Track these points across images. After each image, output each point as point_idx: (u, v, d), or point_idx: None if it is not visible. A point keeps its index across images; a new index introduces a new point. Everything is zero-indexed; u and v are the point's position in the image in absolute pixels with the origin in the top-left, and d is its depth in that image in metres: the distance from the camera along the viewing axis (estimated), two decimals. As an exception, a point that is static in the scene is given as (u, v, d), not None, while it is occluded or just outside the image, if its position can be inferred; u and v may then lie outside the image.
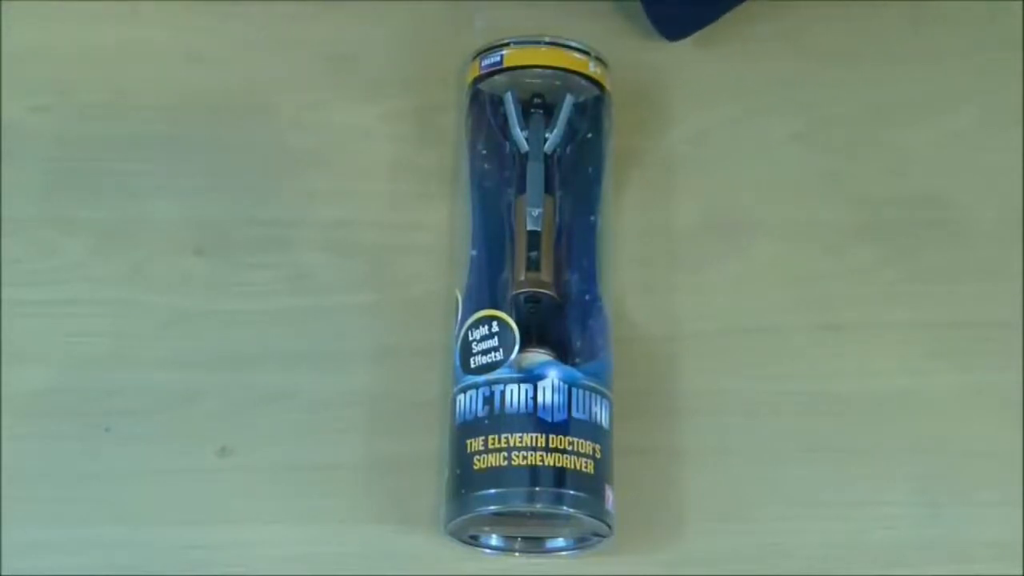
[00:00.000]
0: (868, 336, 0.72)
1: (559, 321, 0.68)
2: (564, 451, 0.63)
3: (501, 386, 0.64)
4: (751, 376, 0.71)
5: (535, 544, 0.67)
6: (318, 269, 0.74)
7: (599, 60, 0.73)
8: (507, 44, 0.73)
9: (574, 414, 0.64)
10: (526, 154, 0.71)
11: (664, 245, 0.75)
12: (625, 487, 0.66)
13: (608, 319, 0.69)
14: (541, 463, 0.63)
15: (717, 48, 0.80)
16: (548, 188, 0.70)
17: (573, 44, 0.73)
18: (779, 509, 0.69)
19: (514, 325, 0.65)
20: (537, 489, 0.63)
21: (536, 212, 0.69)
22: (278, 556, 0.67)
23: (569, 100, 0.72)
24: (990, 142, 0.77)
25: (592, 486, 0.64)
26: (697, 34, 0.80)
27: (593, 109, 0.73)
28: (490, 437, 0.64)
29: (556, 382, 0.64)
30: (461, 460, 0.64)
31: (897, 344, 0.72)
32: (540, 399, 0.64)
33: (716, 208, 0.76)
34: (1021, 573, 0.67)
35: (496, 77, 0.73)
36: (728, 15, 0.79)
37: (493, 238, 0.70)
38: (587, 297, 0.69)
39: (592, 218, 0.71)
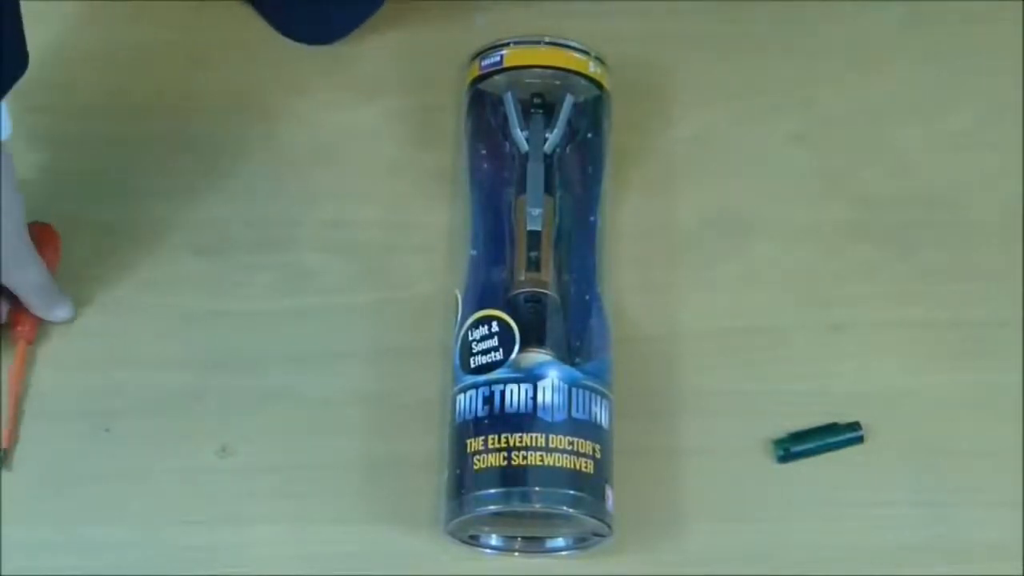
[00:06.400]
0: (868, 336, 0.72)
1: (559, 321, 0.68)
2: (564, 451, 0.63)
3: (501, 386, 0.64)
4: (751, 376, 0.71)
5: (535, 544, 0.67)
6: (318, 269, 0.74)
7: (599, 60, 0.74)
8: (507, 44, 0.73)
9: (574, 414, 0.64)
10: (526, 154, 0.71)
11: (664, 245, 0.75)
12: (625, 487, 0.66)
13: (608, 319, 0.69)
14: (541, 463, 0.63)
15: (717, 48, 0.80)
16: (548, 188, 0.70)
17: (573, 44, 0.73)
18: (779, 509, 0.69)
19: (514, 325, 0.65)
20: (537, 489, 0.63)
21: (536, 212, 0.69)
22: (278, 556, 0.67)
23: (569, 100, 0.72)
24: (990, 142, 0.77)
25: (592, 486, 0.64)
26: (697, 34, 0.80)
27: (593, 109, 0.73)
28: (490, 437, 0.64)
29: (556, 382, 0.64)
30: (461, 460, 0.64)
31: (897, 344, 0.72)
32: (540, 399, 0.64)
33: (716, 208, 0.76)
34: (1021, 573, 0.67)
35: (496, 77, 0.73)
36: (724, 16, 0.80)
37: (493, 238, 0.70)
38: (587, 297, 0.69)
39: (592, 218, 0.71)
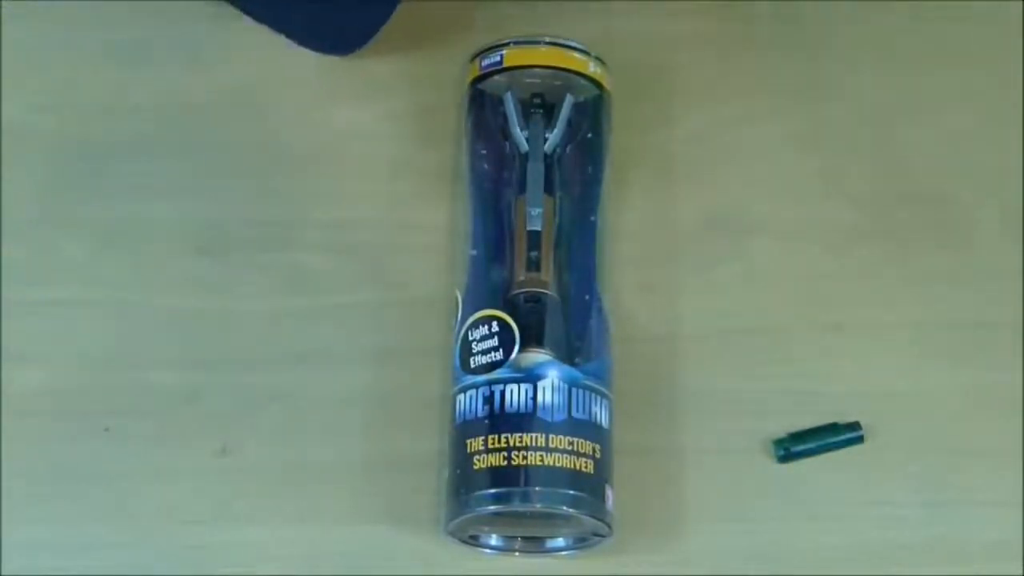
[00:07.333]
0: (868, 336, 0.72)
1: (559, 321, 0.68)
2: (564, 451, 0.63)
3: (501, 386, 0.64)
4: (751, 376, 0.71)
5: (535, 544, 0.67)
6: (318, 269, 0.74)
7: (599, 60, 0.73)
8: (507, 44, 0.73)
9: (574, 414, 0.64)
10: (526, 154, 0.71)
11: (664, 245, 0.75)
12: (625, 487, 0.66)
13: (608, 319, 0.69)
14: (541, 463, 0.63)
15: (717, 48, 0.80)
16: (548, 188, 0.70)
17: (573, 44, 0.73)
18: (779, 509, 0.69)
19: (514, 325, 0.65)
20: (537, 489, 0.63)
21: (536, 212, 0.69)
22: (278, 556, 0.67)
23: (569, 100, 0.72)
24: (990, 142, 0.77)
25: (592, 486, 0.64)
26: (697, 34, 0.80)
27: (593, 109, 0.73)
28: (490, 437, 0.64)
29: (556, 382, 0.64)
30: (461, 460, 0.64)
31: (897, 344, 0.72)
32: (540, 399, 0.64)
33: (716, 208, 0.76)
34: (1021, 573, 0.67)
35: (496, 77, 0.73)
36: (724, 16, 0.80)
37: (493, 238, 0.70)
38: (587, 297, 0.69)
39: (592, 218, 0.71)
